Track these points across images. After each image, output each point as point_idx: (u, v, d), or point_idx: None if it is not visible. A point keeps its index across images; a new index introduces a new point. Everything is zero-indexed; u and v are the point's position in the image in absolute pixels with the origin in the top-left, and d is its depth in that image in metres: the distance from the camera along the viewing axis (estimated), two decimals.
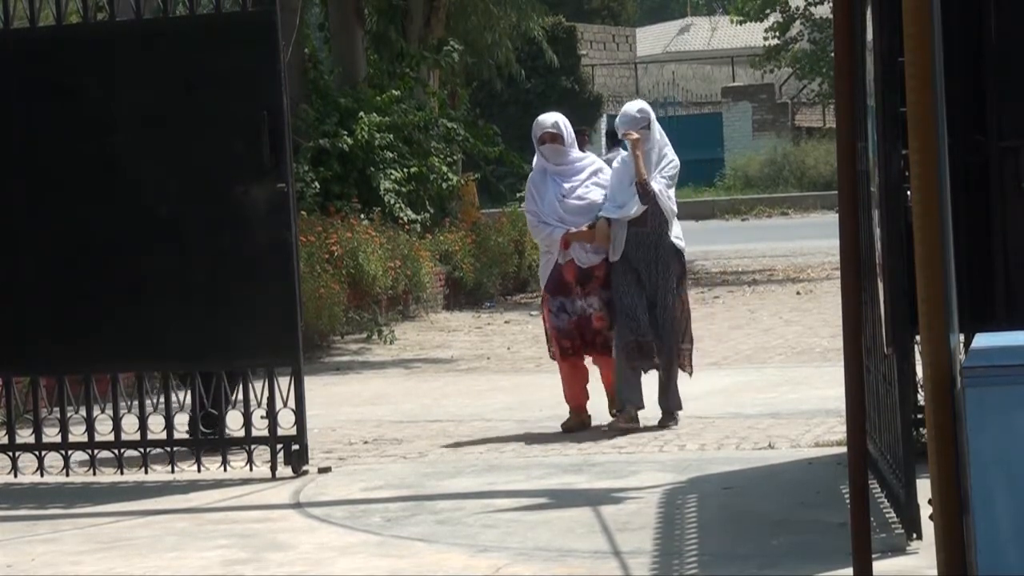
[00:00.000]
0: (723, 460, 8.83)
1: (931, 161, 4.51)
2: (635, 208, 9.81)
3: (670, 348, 9.90)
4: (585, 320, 9.93)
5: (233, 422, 9.15)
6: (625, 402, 9.84)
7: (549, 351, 10.28)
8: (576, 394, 10.10)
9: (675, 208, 9.98)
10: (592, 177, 10.12)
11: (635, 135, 9.85)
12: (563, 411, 10.15)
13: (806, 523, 7.16)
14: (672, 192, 9.96)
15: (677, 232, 10.01)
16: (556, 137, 10.09)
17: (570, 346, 10.00)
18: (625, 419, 9.83)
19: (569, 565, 6.66)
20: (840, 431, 8.49)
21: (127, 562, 7.19)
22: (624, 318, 9.82)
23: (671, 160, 10.00)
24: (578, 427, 9.98)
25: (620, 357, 9.84)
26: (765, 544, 6.87)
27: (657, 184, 9.82)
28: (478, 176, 22.85)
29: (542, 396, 11.15)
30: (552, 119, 10.18)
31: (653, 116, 10.11)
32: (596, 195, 10.01)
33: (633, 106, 10.18)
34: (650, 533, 7.15)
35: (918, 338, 4.67)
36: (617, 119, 10.09)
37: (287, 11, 11.61)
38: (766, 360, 13.21)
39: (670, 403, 10.04)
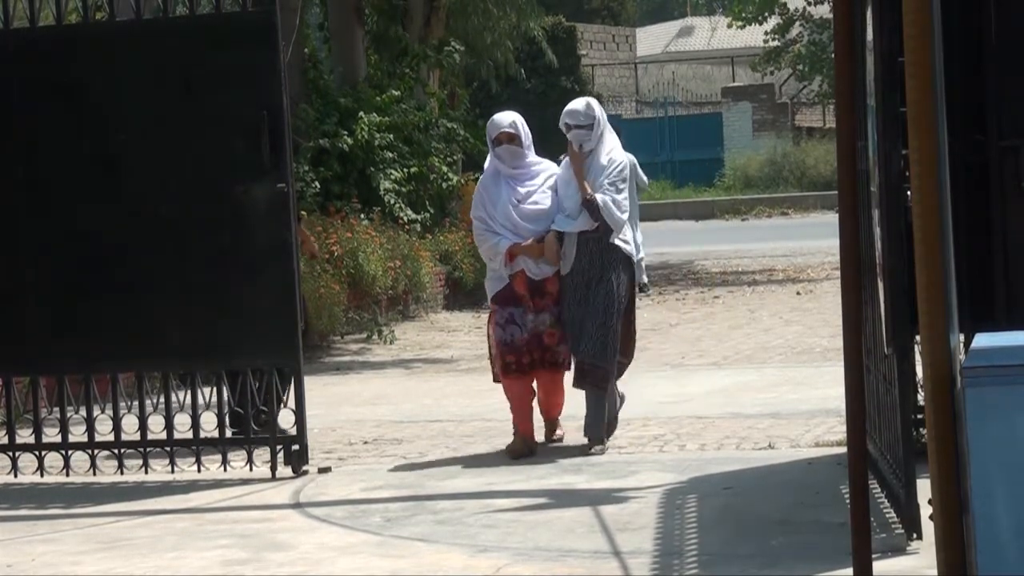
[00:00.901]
0: (723, 460, 8.83)
1: (931, 161, 4.51)
2: (586, 222, 9.20)
3: (607, 368, 9.13)
4: (536, 337, 9.19)
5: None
6: (594, 436, 9.20)
7: (493, 373, 9.47)
8: (524, 416, 9.30)
9: (624, 217, 9.35)
10: (547, 183, 9.37)
11: (576, 150, 9.24)
12: (564, 412, 9.92)
13: (806, 523, 7.16)
14: (622, 196, 9.33)
15: (628, 236, 9.39)
16: (514, 137, 9.34)
17: (515, 362, 9.20)
18: (593, 450, 9.17)
19: (569, 565, 6.67)
20: (840, 431, 8.49)
21: (127, 562, 7.19)
22: (568, 336, 9.20)
23: (619, 163, 9.34)
24: (526, 452, 9.18)
25: (575, 377, 9.23)
26: (765, 544, 6.87)
27: (603, 196, 9.18)
28: (478, 176, 22.81)
29: None
30: (509, 118, 9.42)
31: (602, 115, 9.42)
32: (551, 203, 9.30)
33: (580, 102, 9.49)
34: (650, 533, 7.16)
35: (918, 338, 4.67)
36: (563, 114, 9.37)
37: (287, 11, 11.61)
38: (766, 360, 13.21)
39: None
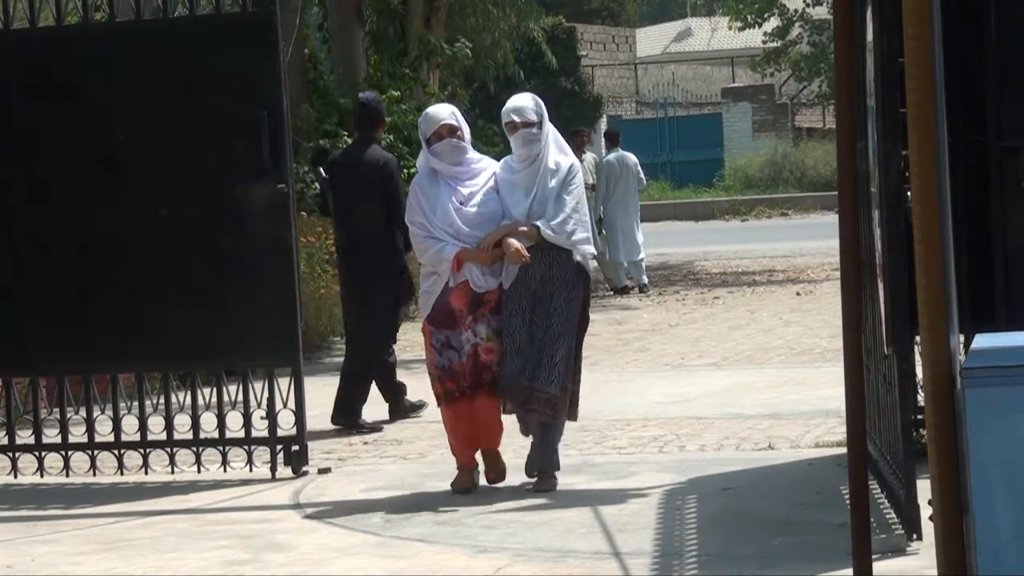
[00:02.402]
0: (723, 461, 8.83)
1: (931, 161, 4.51)
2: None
3: (555, 394, 8.07)
4: (472, 356, 8.13)
5: (233, 423, 9.14)
6: (537, 470, 8.25)
7: (436, 397, 8.39)
8: (466, 446, 8.34)
9: (581, 233, 8.17)
10: (490, 183, 8.28)
11: (525, 155, 8.16)
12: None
13: (806, 523, 7.16)
14: (570, 206, 8.15)
15: (582, 237, 8.20)
16: (455, 130, 8.26)
17: (455, 388, 8.16)
18: (542, 485, 8.18)
19: (569, 566, 6.66)
20: (840, 431, 8.48)
21: (127, 563, 7.19)
22: (508, 358, 8.08)
23: (568, 166, 8.21)
24: (472, 487, 8.30)
25: (506, 403, 8.20)
26: (765, 544, 6.87)
27: (546, 225, 8.08)
28: None
29: None
30: (448, 109, 8.41)
31: (546, 114, 8.30)
32: (496, 205, 8.21)
33: (525, 96, 8.32)
34: (650, 534, 7.15)
35: (918, 338, 4.67)
36: (506, 110, 8.26)
37: (287, 11, 11.62)
38: (766, 361, 13.20)
39: (544, 460, 8.22)
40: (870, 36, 6.65)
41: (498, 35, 25.00)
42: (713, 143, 41.84)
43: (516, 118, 8.18)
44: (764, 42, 43.16)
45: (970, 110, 6.99)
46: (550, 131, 8.23)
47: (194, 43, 9.13)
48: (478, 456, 8.40)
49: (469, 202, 8.21)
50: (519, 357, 8.04)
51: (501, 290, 8.14)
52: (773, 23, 42.23)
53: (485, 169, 8.34)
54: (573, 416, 8.30)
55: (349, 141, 18.30)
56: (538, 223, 8.07)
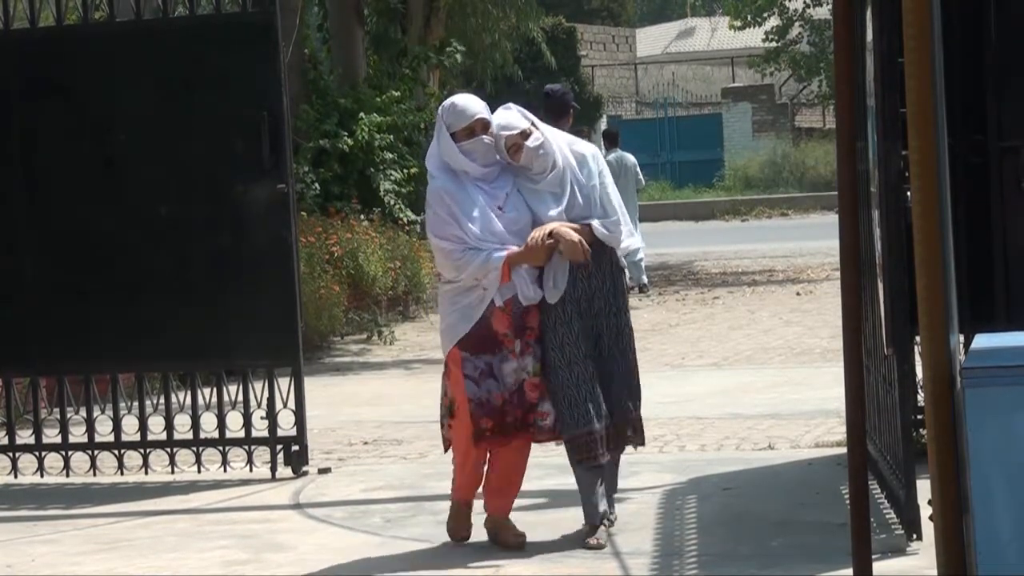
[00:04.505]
0: (723, 461, 8.83)
1: (931, 161, 4.51)
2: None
3: (634, 421, 7.08)
4: (518, 391, 6.90)
5: (233, 423, 9.15)
6: (596, 516, 7.01)
7: (444, 436, 7.19)
8: (473, 485, 7.16)
9: (621, 227, 7.08)
10: (514, 187, 7.03)
11: (576, 241, 6.84)
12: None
13: (806, 523, 7.16)
14: (617, 198, 7.17)
15: (631, 238, 7.25)
16: (488, 126, 6.98)
17: (491, 428, 6.89)
18: (597, 540, 6.95)
19: (569, 566, 6.66)
20: (840, 431, 8.48)
21: (127, 563, 7.20)
22: (571, 394, 6.86)
23: (602, 166, 7.18)
24: (468, 531, 7.19)
25: (569, 454, 7.00)
26: (765, 544, 6.87)
27: (603, 229, 6.98)
28: None
29: None
30: (481, 102, 7.09)
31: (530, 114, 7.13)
32: (528, 211, 6.99)
33: (502, 111, 7.05)
34: (650, 533, 7.15)
35: (918, 338, 4.67)
36: (496, 127, 6.98)
37: (287, 11, 11.62)
38: (766, 361, 13.20)
39: (591, 511, 7.05)
40: (870, 36, 6.65)
41: (498, 35, 25.02)
42: (713, 143, 41.85)
43: (510, 132, 6.92)
44: (764, 41, 43.17)
45: (970, 110, 6.99)
46: (546, 128, 7.11)
47: (194, 43, 9.13)
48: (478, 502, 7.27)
49: (508, 206, 6.96)
50: (587, 395, 6.84)
51: (540, 314, 6.92)
52: (773, 22, 42.22)
53: (508, 167, 7.03)
54: (637, 440, 7.16)
55: (349, 141, 18.37)
56: (591, 221, 6.94)
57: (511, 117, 6.99)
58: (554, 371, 6.86)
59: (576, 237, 6.83)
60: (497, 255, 6.82)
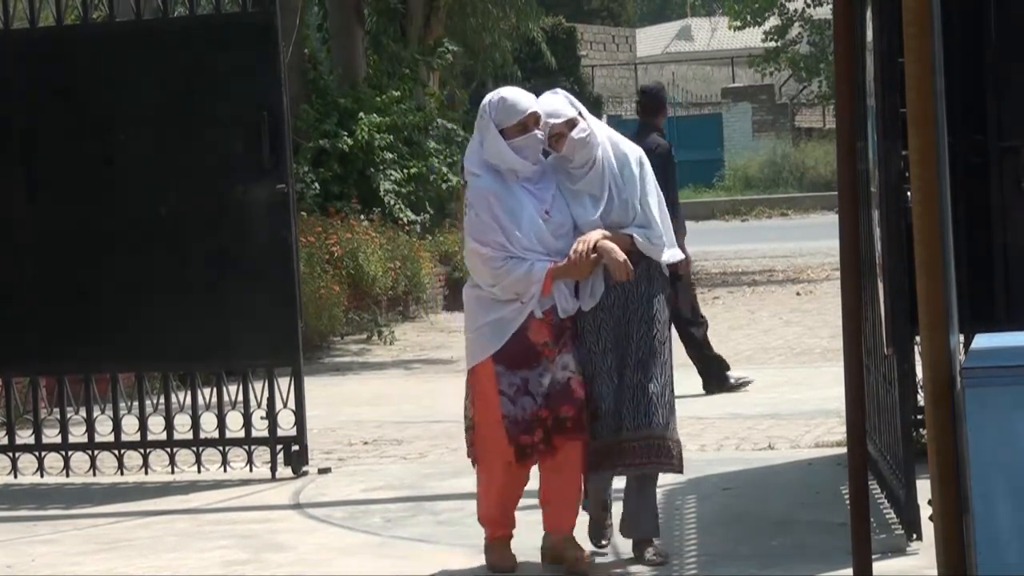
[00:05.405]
0: (723, 461, 8.83)
1: (931, 161, 4.51)
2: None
3: (653, 439, 6.50)
4: (561, 393, 6.41)
5: (232, 423, 9.14)
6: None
7: (470, 453, 6.67)
8: (501, 516, 6.70)
9: (663, 235, 6.60)
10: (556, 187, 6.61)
11: (622, 260, 6.39)
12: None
13: (806, 523, 7.16)
14: (660, 206, 6.64)
15: (672, 249, 6.68)
16: (539, 121, 6.52)
17: (531, 443, 6.41)
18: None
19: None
20: (840, 431, 8.48)
21: (127, 563, 7.19)
22: (594, 404, 6.47)
23: (646, 171, 6.63)
24: (513, 561, 6.68)
25: (607, 460, 6.55)
26: (765, 544, 6.87)
27: (645, 241, 6.53)
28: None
29: None
30: (530, 95, 6.61)
31: (580, 104, 6.66)
32: (568, 213, 6.56)
33: (549, 96, 6.62)
34: None
35: (918, 338, 4.67)
36: (544, 108, 6.54)
37: (287, 11, 11.62)
38: (766, 361, 13.20)
39: (645, 525, 6.69)
40: (870, 36, 6.65)
41: (498, 35, 25.02)
42: (713, 143, 41.83)
43: (556, 121, 6.50)
44: (764, 41, 43.19)
45: (970, 110, 6.99)
46: (593, 121, 6.62)
47: (194, 43, 9.13)
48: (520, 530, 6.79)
49: (554, 210, 6.52)
50: (616, 400, 6.46)
51: (573, 316, 6.54)
52: (773, 22, 42.23)
53: (548, 167, 6.63)
54: (675, 466, 6.60)
55: (349, 141, 18.38)
56: (633, 232, 6.49)
57: (558, 104, 6.56)
58: (587, 379, 6.48)
59: (622, 256, 6.37)
60: (539, 268, 6.38)
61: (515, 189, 6.48)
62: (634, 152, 6.62)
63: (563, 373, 6.41)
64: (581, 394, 6.41)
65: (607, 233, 6.45)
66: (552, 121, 6.49)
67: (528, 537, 6.69)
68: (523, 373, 6.39)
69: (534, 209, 6.46)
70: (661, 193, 6.68)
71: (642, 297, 6.52)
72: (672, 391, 6.53)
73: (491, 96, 6.62)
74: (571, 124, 6.50)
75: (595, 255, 6.41)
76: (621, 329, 6.49)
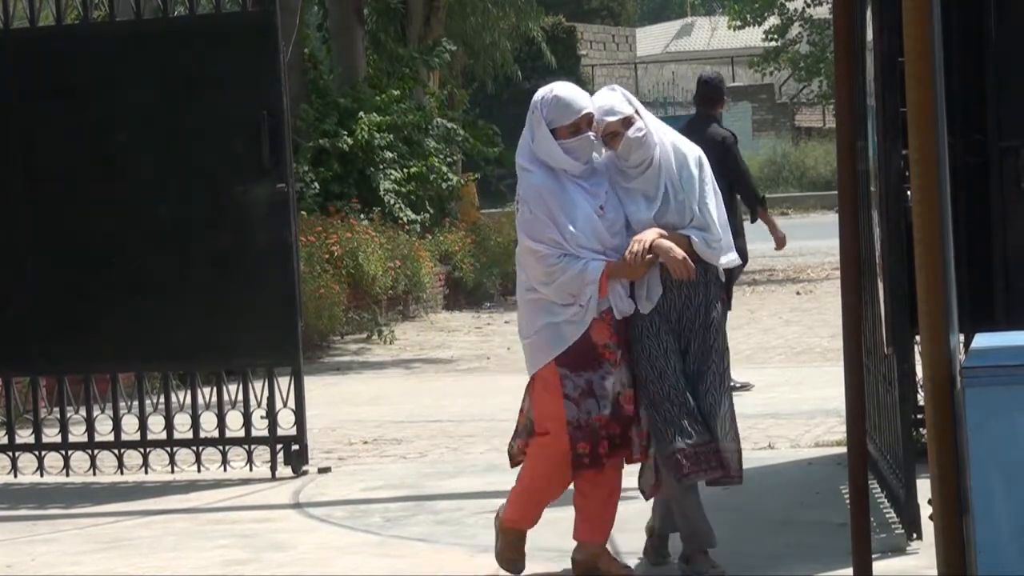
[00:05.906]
0: None
1: (931, 161, 4.51)
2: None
3: (737, 449, 6.33)
4: (613, 405, 6.25)
5: (232, 422, 9.15)
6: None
7: (511, 453, 6.52)
8: (537, 516, 6.57)
9: (722, 236, 6.34)
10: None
11: (682, 258, 6.17)
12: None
13: (806, 523, 7.16)
14: (718, 209, 6.37)
15: (731, 253, 6.40)
16: (592, 121, 6.30)
17: (589, 453, 6.24)
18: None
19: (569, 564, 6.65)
20: (840, 431, 8.48)
21: (127, 562, 7.20)
22: (665, 409, 6.20)
23: (706, 171, 6.37)
24: (522, 561, 6.58)
25: (668, 472, 6.29)
26: (765, 544, 6.87)
27: (705, 245, 6.27)
28: (478, 176, 22.87)
29: None
30: (585, 95, 6.37)
31: (638, 101, 6.44)
32: (622, 211, 6.34)
33: (606, 93, 6.41)
34: None
35: (918, 338, 4.67)
36: (599, 106, 6.30)
37: (287, 11, 11.62)
38: (766, 360, 13.20)
39: (702, 534, 6.43)
40: (870, 36, 6.65)
41: (498, 35, 25.03)
42: None
43: (612, 119, 6.25)
44: (764, 41, 43.18)
45: (970, 110, 6.99)
46: (651, 119, 6.37)
47: (194, 43, 9.13)
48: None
49: (609, 207, 6.31)
50: (681, 408, 6.19)
51: (630, 321, 6.29)
52: (772, 21, 42.22)
53: (601, 164, 6.40)
54: (735, 477, 6.36)
55: (349, 141, 18.38)
56: (691, 234, 6.25)
57: (615, 101, 6.30)
58: (644, 385, 6.23)
59: (681, 254, 6.15)
60: (594, 267, 6.16)
61: (568, 186, 6.27)
62: (693, 153, 6.38)
63: (617, 387, 6.23)
64: (630, 411, 6.24)
65: (663, 232, 6.21)
66: (607, 119, 6.26)
67: (529, 536, 6.68)
68: (587, 375, 6.20)
69: (588, 205, 6.25)
70: (720, 195, 6.44)
71: (700, 305, 6.28)
72: (732, 403, 6.33)
73: (544, 92, 6.38)
74: (627, 122, 6.26)
75: (651, 255, 6.19)
76: (676, 335, 6.27)
